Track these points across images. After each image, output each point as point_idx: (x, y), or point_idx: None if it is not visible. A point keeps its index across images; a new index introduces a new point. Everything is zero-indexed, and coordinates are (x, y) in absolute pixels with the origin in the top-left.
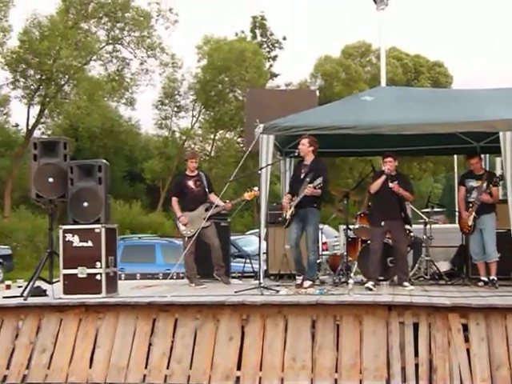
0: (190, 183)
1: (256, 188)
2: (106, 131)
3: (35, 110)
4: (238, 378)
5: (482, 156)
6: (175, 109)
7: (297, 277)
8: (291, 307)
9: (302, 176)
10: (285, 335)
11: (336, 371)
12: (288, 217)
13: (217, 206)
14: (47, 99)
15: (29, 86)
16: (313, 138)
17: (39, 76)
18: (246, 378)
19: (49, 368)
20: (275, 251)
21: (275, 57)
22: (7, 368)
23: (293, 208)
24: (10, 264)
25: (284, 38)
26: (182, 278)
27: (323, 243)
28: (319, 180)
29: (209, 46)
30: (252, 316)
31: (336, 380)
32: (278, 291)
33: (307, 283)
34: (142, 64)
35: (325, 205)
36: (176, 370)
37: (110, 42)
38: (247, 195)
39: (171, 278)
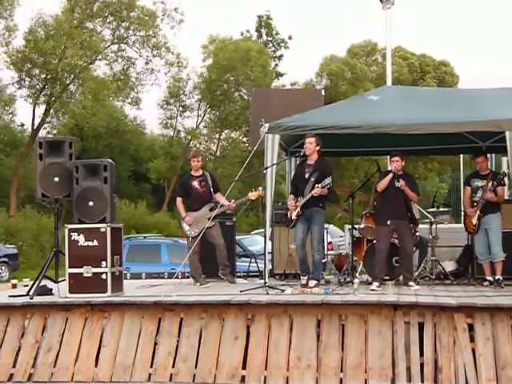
0: (195, 183)
1: (261, 188)
2: (111, 131)
3: (41, 109)
4: (243, 377)
5: (488, 156)
6: (180, 108)
7: (302, 276)
8: (296, 307)
9: (306, 176)
10: (290, 335)
11: (341, 371)
12: (294, 217)
13: (221, 205)
14: (52, 99)
15: (34, 85)
16: (318, 136)
17: (44, 75)
18: (251, 377)
19: (55, 367)
20: (280, 251)
21: (281, 56)
22: (13, 366)
23: (298, 208)
24: (16, 263)
25: (290, 38)
26: (188, 277)
27: (328, 243)
28: (328, 180)
29: (214, 46)
30: (257, 315)
31: (341, 379)
32: (283, 291)
33: (312, 283)
34: (147, 63)
35: (330, 204)
36: (181, 368)
37: (116, 41)
38: (252, 195)
39: (176, 278)
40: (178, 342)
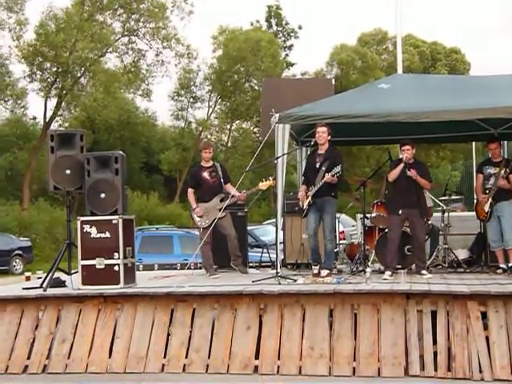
0: (205, 174)
1: (271, 178)
2: (122, 123)
3: (52, 102)
4: (256, 367)
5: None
6: (191, 100)
7: (314, 266)
8: (309, 296)
9: (317, 165)
10: (302, 324)
11: (354, 360)
12: (305, 206)
13: (232, 196)
14: (64, 92)
15: (45, 78)
16: (329, 126)
17: (56, 69)
18: (264, 366)
19: (69, 358)
20: (292, 240)
21: (291, 46)
22: (28, 358)
23: (310, 197)
24: (30, 256)
25: (300, 27)
26: (200, 268)
27: (340, 232)
28: (338, 168)
29: (224, 36)
30: (270, 305)
31: (354, 368)
32: (295, 280)
33: (324, 272)
34: (157, 55)
35: (341, 194)
36: (195, 359)
37: (126, 33)
38: (262, 185)
39: (189, 269)
40: (190, 332)
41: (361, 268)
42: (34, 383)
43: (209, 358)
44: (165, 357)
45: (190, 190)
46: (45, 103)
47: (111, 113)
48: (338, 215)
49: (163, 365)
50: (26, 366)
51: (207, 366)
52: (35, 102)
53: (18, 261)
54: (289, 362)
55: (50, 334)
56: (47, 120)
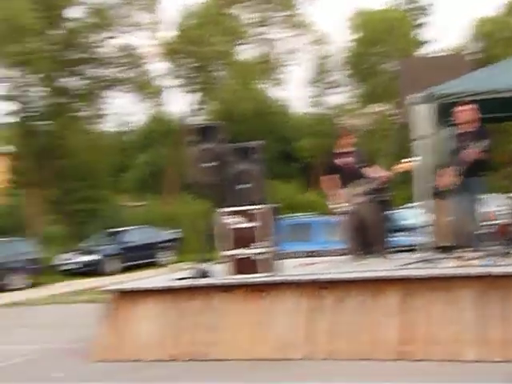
0: (343, 160)
1: (411, 159)
2: (258, 113)
3: (192, 96)
4: (402, 353)
5: None
6: (327, 85)
7: (461, 249)
8: (456, 280)
9: (462, 144)
10: (450, 308)
11: (506, 345)
12: (450, 187)
13: (372, 180)
14: (202, 86)
15: (185, 74)
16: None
17: (194, 64)
18: (411, 352)
19: (216, 346)
20: (438, 223)
21: (424, 23)
22: (176, 348)
23: (456, 178)
24: (177, 247)
25: (431, 5)
26: (343, 254)
27: (489, 213)
28: (485, 142)
29: (360, 18)
30: (416, 290)
31: (507, 354)
32: (441, 264)
33: (472, 254)
34: (290, 43)
35: (491, 172)
36: (339, 345)
37: (258, 24)
38: (401, 167)
39: (332, 255)
40: (336, 318)
41: (511, 249)
42: (180, 371)
43: (354, 344)
44: (310, 343)
45: (327, 177)
46: (185, 98)
47: (248, 103)
48: (487, 195)
49: (308, 351)
50: (174, 355)
51: (352, 352)
52: (176, 98)
53: (166, 252)
54: (436, 347)
55: (197, 323)
56: (187, 115)
